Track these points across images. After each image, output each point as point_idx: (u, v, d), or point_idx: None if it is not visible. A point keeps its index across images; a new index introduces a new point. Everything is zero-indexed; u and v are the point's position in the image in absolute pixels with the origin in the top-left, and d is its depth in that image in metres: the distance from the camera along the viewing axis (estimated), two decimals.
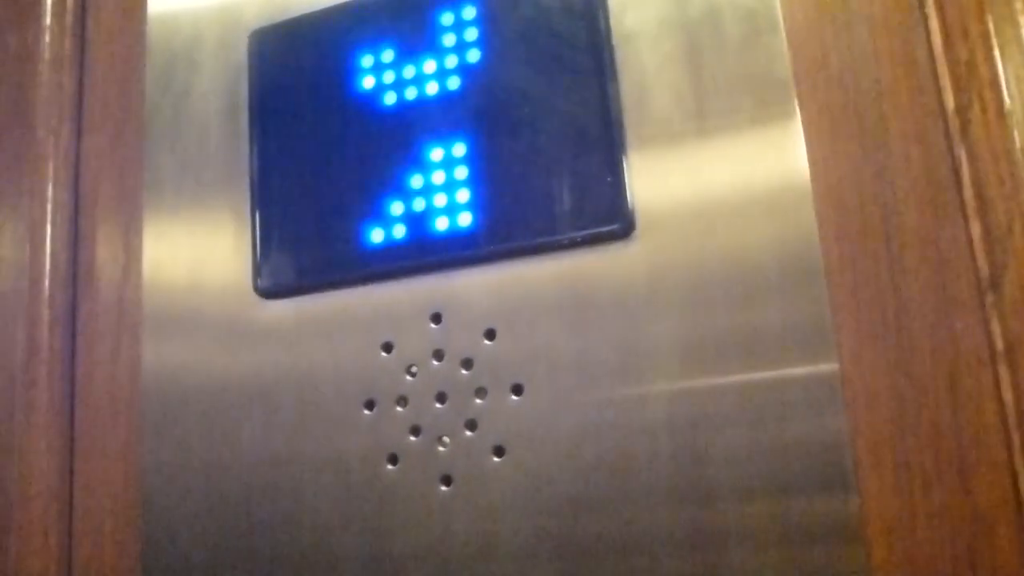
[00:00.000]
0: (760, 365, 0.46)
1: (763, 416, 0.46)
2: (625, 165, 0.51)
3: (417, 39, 0.56)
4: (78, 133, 0.69)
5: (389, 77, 0.56)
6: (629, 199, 0.50)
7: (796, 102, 0.49)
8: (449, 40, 0.55)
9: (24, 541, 0.62)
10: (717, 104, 0.50)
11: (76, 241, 0.67)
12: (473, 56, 0.55)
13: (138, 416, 0.61)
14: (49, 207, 0.67)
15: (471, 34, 0.55)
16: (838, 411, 0.45)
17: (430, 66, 0.56)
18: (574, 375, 0.50)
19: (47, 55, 0.70)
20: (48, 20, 0.71)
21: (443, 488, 0.51)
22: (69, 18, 0.71)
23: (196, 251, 0.61)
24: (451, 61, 0.55)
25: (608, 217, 0.50)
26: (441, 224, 0.53)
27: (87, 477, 0.62)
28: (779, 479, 0.45)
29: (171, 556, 0.57)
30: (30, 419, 0.64)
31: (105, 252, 0.66)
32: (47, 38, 0.70)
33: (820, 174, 0.48)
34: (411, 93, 0.56)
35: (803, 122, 0.49)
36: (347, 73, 0.58)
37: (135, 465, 0.60)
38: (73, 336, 0.65)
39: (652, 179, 0.50)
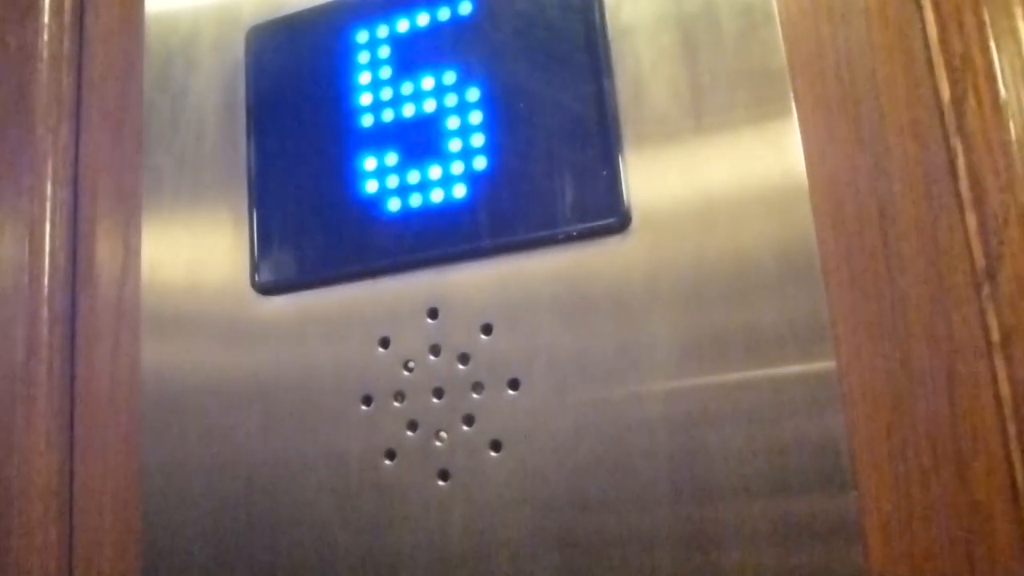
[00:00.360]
0: (757, 359, 0.46)
1: (760, 410, 0.46)
2: (621, 159, 0.51)
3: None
4: (77, 131, 0.69)
5: (386, 72, 0.57)
6: (625, 193, 0.50)
7: (792, 96, 0.49)
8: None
9: (25, 539, 0.62)
10: (713, 98, 0.50)
11: (75, 239, 0.67)
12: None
13: (138, 413, 0.61)
14: (48, 205, 0.67)
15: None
16: (835, 405, 0.45)
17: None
18: (571, 369, 0.50)
19: (46, 54, 0.70)
20: (47, 19, 0.71)
21: (440, 483, 0.51)
22: (68, 17, 0.71)
23: (195, 248, 0.61)
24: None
25: (604, 211, 0.50)
26: (439, 219, 0.53)
27: (87, 475, 0.63)
28: (776, 475, 0.45)
29: (171, 552, 0.57)
30: (30, 417, 0.64)
31: (104, 250, 0.66)
32: (46, 37, 0.70)
33: (816, 167, 0.48)
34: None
35: (799, 116, 0.49)
36: (343, 66, 0.58)
37: (135, 462, 0.60)
38: (72, 334, 0.65)
39: (648, 173, 0.50)
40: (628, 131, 0.51)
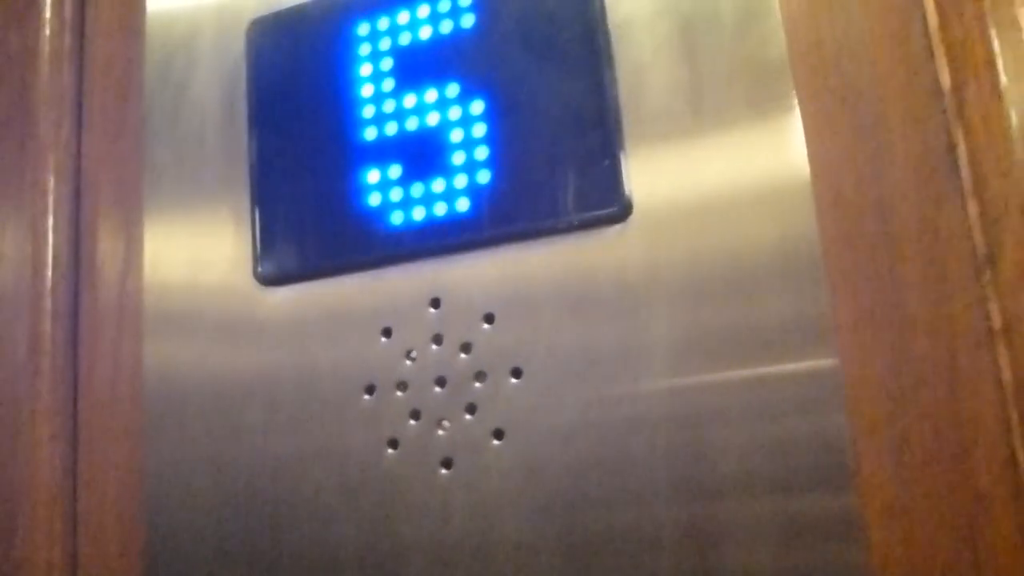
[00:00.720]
0: (758, 350, 0.46)
1: (761, 401, 0.46)
2: (622, 149, 0.51)
3: None
4: (78, 127, 0.69)
5: (387, 64, 0.57)
6: (626, 182, 0.50)
7: (792, 85, 0.49)
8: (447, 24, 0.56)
9: (29, 532, 0.62)
10: (713, 88, 0.50)
11: (78, 234, 0.67)
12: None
13: (141, 406, 0.61)
14: (51, 201, 0.67)
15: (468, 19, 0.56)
16: (837, 395, 0.45)
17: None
18: (573, 358, 0.50)
19: (47, 51, 0.70)
20: (48, 15, 0.71)
21: (443, 471, 0.51)
22: (68, 13, 0.71)
23: (196, 242, 0.61)
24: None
25: (605, 201, 0.50)
26: (440, 209, 0.53)
27: (90, 470, 0.63)
28: (778, 470, 0.45)
29: (175, 546, 0.57)
30: (33, 413, 0.64)
31: (106, 244, 0.66)
32: (47, 33, 0.70)
33: (817, 156, 0.48)
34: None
35: (799, 105, 0.48)
36: (345, 61, 0.58)
37: (138, 456, 0.60)
38: (75, 330, 0.65)
39: (649, 162, 0.50)
40: (629, 122, 0.51)
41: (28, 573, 0.61)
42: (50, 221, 0.67)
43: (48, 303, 0.65)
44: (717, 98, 0.50)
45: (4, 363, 0.66)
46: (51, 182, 0.68)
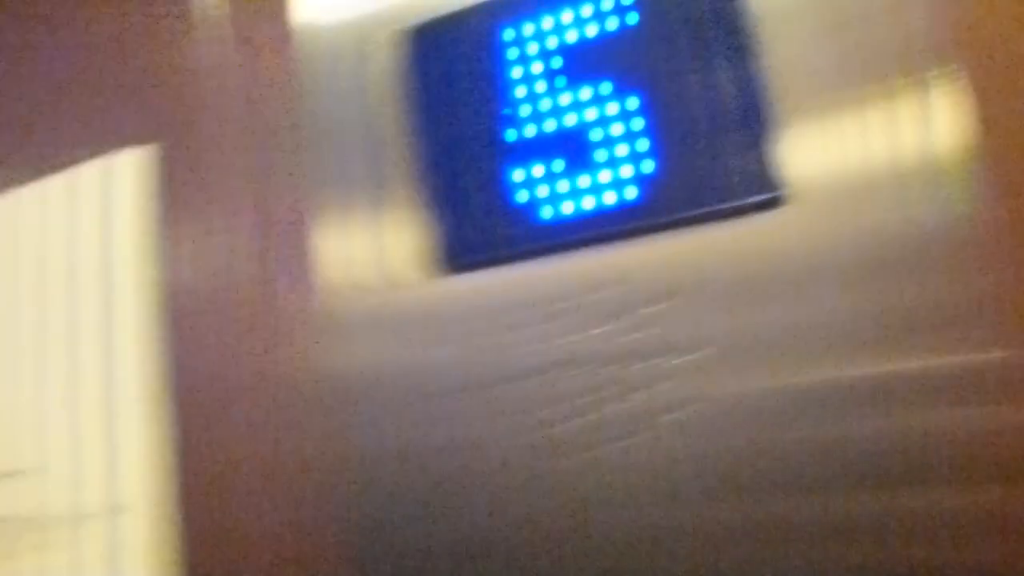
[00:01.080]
0: (929, 337, 0.46)
1: (939, 382, 0.46)
2: (780, 133, 0.51)
3: None
4: (249, 144, 0.72)
5: (545, 65, 0.59)
6: (785, 166, 0.51)
7: (946, 66, 0.48)
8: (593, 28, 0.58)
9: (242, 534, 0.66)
10: (866, 72, 0.50)
11: (258, 245, 0.70)
12: (614, 23, 0.57)
13: (328, 403, 0.64)
14: (233, 219, 0.71)
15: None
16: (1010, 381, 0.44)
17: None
18: (742, 339, 0.51)
19: (211, 68, 0.74)
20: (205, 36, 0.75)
21: (619, 444, 0.53)
22: (229, 33, 0.75)
23: (371, 242, 0.63)
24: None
25: (766, 186, 0.51)
26: (609, 198, 0.55)
27: (289, 461, 0.66)
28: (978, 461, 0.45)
29: (378, 532, 0.60)
30: (235, 413, 0.68)
31: (287, 253, 0.69)
32: (207, 50, 0.74)
33: (983, 134, 0.47)
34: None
35: (965, 79, 0.47)
36: (500, 61, 0.60)
37: (336, 450, 0.63)
38: (265, 334, 0.69)
39: (808, 146, 0.51)
40: (786, 107, 0.51)
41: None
42: (235, 234, 0.71)
43: (241, 309, 0.69)
44: (871, 82, 0.50)
45: (203, 368, 0.70)
46: (232, 200, 0.72)
